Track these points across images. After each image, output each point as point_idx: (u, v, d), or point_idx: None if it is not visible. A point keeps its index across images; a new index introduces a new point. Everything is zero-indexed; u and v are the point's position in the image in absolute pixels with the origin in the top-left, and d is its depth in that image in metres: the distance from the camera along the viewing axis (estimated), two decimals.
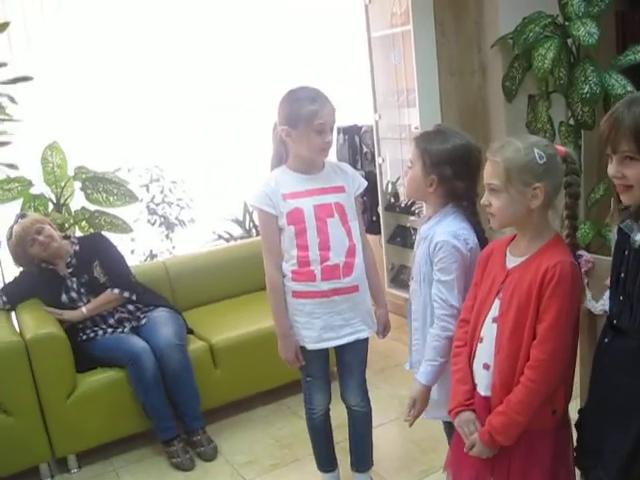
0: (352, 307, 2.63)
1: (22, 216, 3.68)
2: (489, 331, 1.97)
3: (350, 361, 2.76)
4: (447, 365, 2.22)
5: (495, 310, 1.96)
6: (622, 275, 1.73)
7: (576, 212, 1.92)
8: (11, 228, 3.63)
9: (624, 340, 1.72)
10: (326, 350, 2.72)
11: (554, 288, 1.80)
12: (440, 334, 2.22)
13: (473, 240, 2.24)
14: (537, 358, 1.83)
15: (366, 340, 2.75)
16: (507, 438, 1.90)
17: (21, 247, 3.59)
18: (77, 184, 4.39)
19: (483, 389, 2.00)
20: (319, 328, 2.61)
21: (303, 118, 2.43)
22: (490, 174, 1.89)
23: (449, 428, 2.43)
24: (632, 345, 1.70)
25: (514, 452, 1.94)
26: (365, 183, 2.72)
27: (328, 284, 2.56)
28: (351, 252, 2.60)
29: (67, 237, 3.78)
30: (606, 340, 1.82)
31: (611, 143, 1.64)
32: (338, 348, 2.73)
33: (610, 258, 2.21)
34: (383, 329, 2.80)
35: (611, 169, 1.67)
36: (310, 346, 2.65)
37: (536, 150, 1.83)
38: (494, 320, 1.96)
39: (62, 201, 4.38)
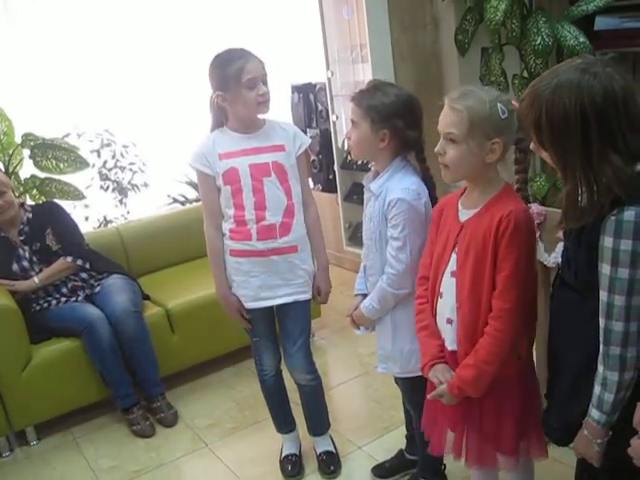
0: (291, 268, 2.61)
1: None
2: (448, 286, 1.98)
3: (291, 327, 2.72)
4: (385, 313, 2.34)
5: (453, 264, 1.96)
6: None
7: (526, 166, 1.92)
8: None
9: (566, 290, 1.73)
10: (269, 309, 2.69)
11: (510, 236, 1.80)
12: (386, 288, 2.28)
13: (425, 193, 2.25)
14: (501, 308, 1.83)
15: (307, 303, 2.72)
16: (477, 390, 1.92)
17: None
18: (26, 151, 4.28)
19: (449, 343, 2.01)
20: (256, 287, 2.60)
21: (232, 78, 2.40)
22: (450, 122, 1.84)
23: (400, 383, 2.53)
24: (571, 296, 1.71)
25: (484, 400, 1.96)
26: (308, 141, 2.68)
27: (264, 244, 2.54)
28: (289, 212, 2.57)
29: (21, 205, 3.68)
30: (553, 288, 1.83)
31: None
32: (279, 312, 2.71)
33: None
34: (318, 292, 2.76)
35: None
36: (247, 305, 2.65)
37: (499, 104, 1.81)
38: (452, 274, 1.96)
39: (11, 169, 4.26)
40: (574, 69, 1.52)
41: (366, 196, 2.37)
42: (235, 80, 2.39)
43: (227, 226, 2.58)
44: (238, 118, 2.51)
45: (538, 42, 3.70)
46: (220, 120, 2.57)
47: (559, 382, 1.79)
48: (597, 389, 1.61)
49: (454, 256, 1.95)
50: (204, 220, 2.62)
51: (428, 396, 2.07)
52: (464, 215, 1.95)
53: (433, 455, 2.26)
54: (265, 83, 2.47)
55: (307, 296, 2.69)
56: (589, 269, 1.58)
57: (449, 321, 2.00)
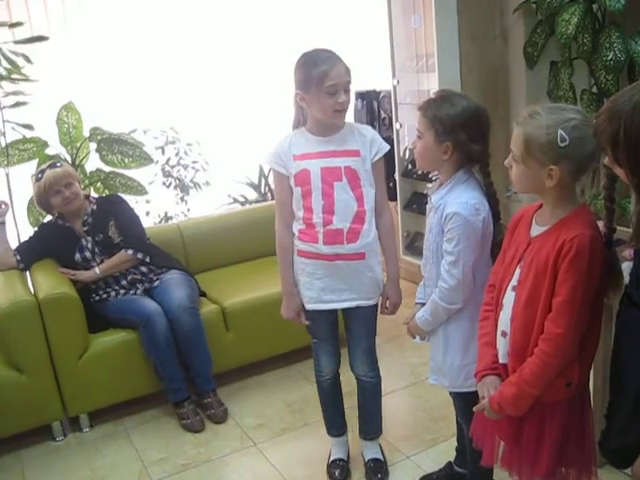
0: (357, 274, 2.57)
1: (54, 165, 3.66)
2: (508, 299, 1.97)
3: (355, 329, 2.71)
4: (438, 325, 2.33)
5: (515, 278, 1.94)
6: None
7: (613, 194, 1.84)
8: (43, 171, 3.62)
9: (633, 309, 1.71)
10: (331, 313, 2.69)
11: (570, 262, 1.75)
12: (438, 302, 2.27)
13: (485, 208, 2.20)
14: (552, 332, 1.80)
15: (372, 308, 2.70)
16: (516, 409, 1.90)
17: (45, 192, 3.59)
18: (92, 145, 4.37)
19: (502, 356, 2.00)
20: (318, 289, 2.59)
21: (314, 81, 2.37)
22: (513, 141, 1.85)
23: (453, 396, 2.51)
24: (638, 315, 1.69)
25: (527, 420, 1.94)
26: (386, 148, 2.62)
27: (330, 248, 2.51)
28: (359, 218, 2.52)
29: (86, 196, 3.77)
30: (619, 308, 1.80)
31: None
32: (345, 315, 2.71)
33: (628, 229, 2.17)
34: (386, 303, 2.72)
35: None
36: (309, 306, 2.65)
37: (560, 131, 1.74)
38: (513, 288, 1.95)
39: (77, 162, 4.36)
40: None
41: (429, 206, 2.35)
42: (317, 84, 2.36)
43: (297, 227, 2.58)
44: (315, 120, 2.50)
45: (610, 57, 3.64)
46: (299, 118, 2.57)
47: (620, 403, 1.75)
48: None
49: (518, 270, 1.93)
50: (275, 218, 2.63)
51: (474, 408, 2.06)
52: (535, 230, 1.93)
53: (483, 468, 2.24)
54: (347, 91, 2.43)
55: (372, 302, 2.66)
56: None
57: (504, 334, 1.98)
